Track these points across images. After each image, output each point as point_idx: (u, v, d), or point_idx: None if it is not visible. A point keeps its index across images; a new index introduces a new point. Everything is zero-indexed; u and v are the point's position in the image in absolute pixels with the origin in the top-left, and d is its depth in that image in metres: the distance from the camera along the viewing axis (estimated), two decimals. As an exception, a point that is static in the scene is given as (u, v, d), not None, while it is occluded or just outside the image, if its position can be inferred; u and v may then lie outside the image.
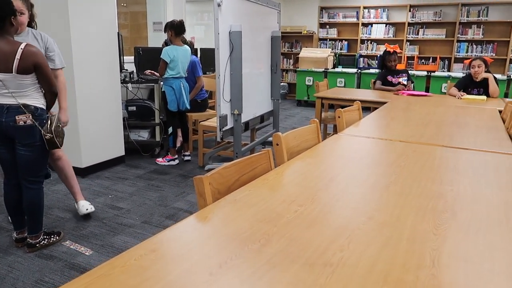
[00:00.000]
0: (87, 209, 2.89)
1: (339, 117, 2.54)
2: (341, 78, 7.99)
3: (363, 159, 1.76)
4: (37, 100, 2.29)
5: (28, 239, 2.45)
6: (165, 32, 4.06)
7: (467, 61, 4.59)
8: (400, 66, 5.04)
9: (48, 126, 2.31)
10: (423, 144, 2.06)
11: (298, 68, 8.49)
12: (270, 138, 4.53)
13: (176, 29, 3.91)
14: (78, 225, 2.81)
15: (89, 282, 0.82)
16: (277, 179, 1.49)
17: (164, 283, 0.82)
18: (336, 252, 0.94)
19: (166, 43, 4.24)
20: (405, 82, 4.80)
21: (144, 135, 4.55)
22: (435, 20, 8.35)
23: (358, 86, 7.93)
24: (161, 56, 3.91)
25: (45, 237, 2.51)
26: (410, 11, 8.48)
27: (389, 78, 4.81)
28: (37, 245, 2.46)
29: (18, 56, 2.13)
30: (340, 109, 2.57)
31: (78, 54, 3.57)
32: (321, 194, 1.33)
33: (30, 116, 2.24)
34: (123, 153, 4.18)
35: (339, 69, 8.37)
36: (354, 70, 8.07)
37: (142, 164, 4.17)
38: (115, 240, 2.61)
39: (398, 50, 4.72)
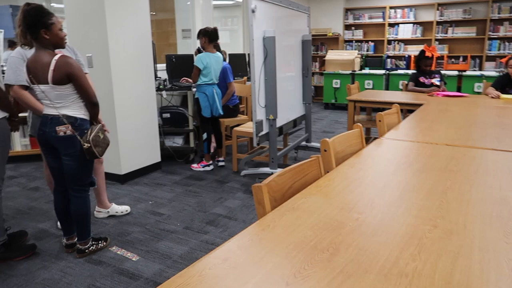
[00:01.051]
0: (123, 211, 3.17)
1: (380, 121, 2.52)
2: (369, 80, 7.89)
3: (413, 164, 1.74)
4: (77, 111, 2.33)
5: (77, 245, 2.54)
6: (198, 39, 4.13)
7: (503, 60, 4.46)
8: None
9: (88, 135, 2.33)
10: (471, 147, 2.02)
11: (324, 71, 8.44)
12: (303, 143, 4.53)
13: (210, 36, 3.96)
14: (122, 231, 2.88)
15: (172, 291, 0.85)
16: (330, 186, 1.49)
17: (244, 293, 0.84)
18: (409, 262, 0.94)
19: (199, 50, 4.30)
20: (438, 83, 4.71)
21: (178, 141, 4.63)
22: (465, 18, 8.16)
23: (387, 88, 7.82)
24: (194, 63, 3.97)
25: (93, 243, 2.59)
26: (438, 9, 8.32)
27: (422, 79, 4.74)
28: (86, 250, 2.54)
29: (52, 67, 2.18)
30: (381, 112, 2.55)
31: (116, 65, 3.68)
32: (379, 201, 1.33)
33: (70, 127, 2.29)
34: (159, 160, 4.26)
35: (367, 70, 8.28)
36: (382, 71, 7.96)
37: (178, 170, 4.24)
38: (160, 245, 2.66)
39: (436, 54, 4.62)
